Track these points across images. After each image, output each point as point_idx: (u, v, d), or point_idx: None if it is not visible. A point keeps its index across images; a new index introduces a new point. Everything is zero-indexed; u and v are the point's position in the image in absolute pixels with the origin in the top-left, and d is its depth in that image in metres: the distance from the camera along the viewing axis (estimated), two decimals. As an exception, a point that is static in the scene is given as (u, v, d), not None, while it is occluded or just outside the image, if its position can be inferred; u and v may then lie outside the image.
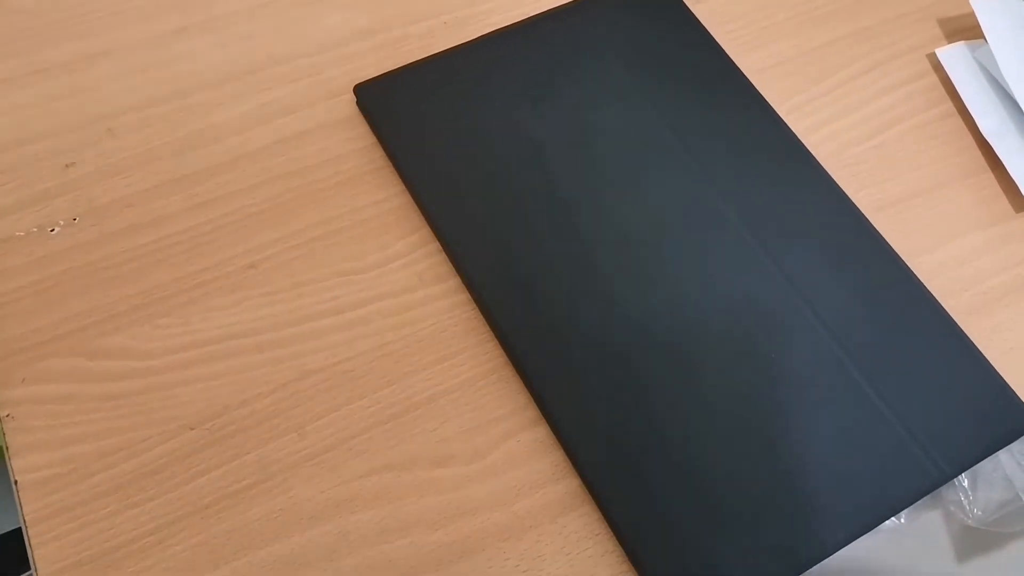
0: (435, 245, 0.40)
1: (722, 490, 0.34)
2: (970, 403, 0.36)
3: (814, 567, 0.33)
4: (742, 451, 0.35)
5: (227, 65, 0.44)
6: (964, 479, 0.36)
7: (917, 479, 0.35)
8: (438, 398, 0.36)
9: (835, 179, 0.41)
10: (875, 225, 0.40)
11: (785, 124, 0.43)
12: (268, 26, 0.46)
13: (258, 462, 0.35)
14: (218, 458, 0.35)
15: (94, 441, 0.35)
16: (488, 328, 0.38)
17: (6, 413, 0.35)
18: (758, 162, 0.42)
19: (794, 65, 0.47)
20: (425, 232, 0.40)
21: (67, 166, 0.41)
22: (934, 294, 0.39)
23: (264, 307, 0.38)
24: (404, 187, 0.41)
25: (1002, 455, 0.36)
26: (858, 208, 0.41)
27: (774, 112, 0.43)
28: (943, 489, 0.36)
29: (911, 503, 0.34)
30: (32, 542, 0.33)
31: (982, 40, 0.47)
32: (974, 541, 0.36)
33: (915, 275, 0.39)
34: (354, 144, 0.42)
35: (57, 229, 0.39)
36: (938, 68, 0.47)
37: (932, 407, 0.36)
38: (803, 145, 0.42)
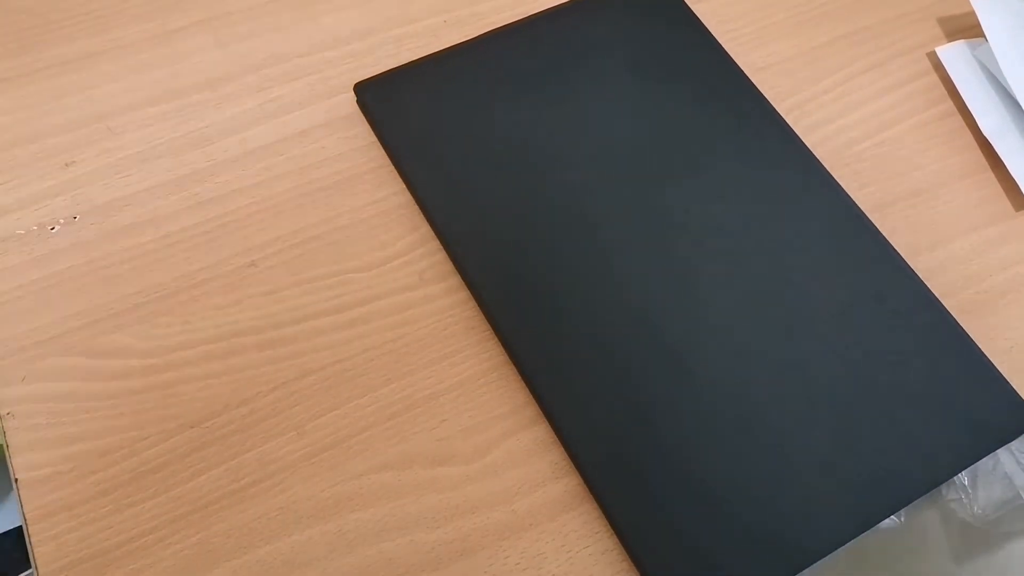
0: (435, 244, 0.40)
1: (722, 488, 0.34)
2: (970, 401, 0.36)
3: (813, 565, 0.33)
4: (742, 449, 0.35)
5: (227, 65, 0.44)
6: (964, 477, 0.36)
7: (917, 477, 0.34)
8: (438, 397, 0.36)
9: (835, 178, 0.41)
10: (875, 224, 0.40)
11: (785, 123, 0.43)
12: (268, 26, 0.46)
13: (258, 461, 0.35)
14: (218, 457, 0.35)
15: (94, 439, 0.35)
16: (488, 327, 0.38)
17: (6, 411, 0.35)
18: (758, 161, 0.42)
19: (794, 64, 0.47)
20: (425, 231, 0.40)
21: (67, 165, 0.41)
22: (935, 292, 0.39)
23: (264, 306, 0.38)
24: (404, 186, 0.41)
25: (1002, 453, 0.36)
26: (858, 207, 0.41)
27: (774, 111, 0.43)
28: (943, 487, 0.36)
29: (911, 501, 0.34)
30: (32, 540, 0.33)
31: (982, 39, 0.47)
32: (974, 540, 0.36)
33: (916, 274, 0.39)
34: (354, 143, 0.42)
35: (57, 228, 0.39)
36: (938, 67, 0.47)
37: (932, 405, 0.36)
38: (803, 144, 0.42)
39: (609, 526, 0.34)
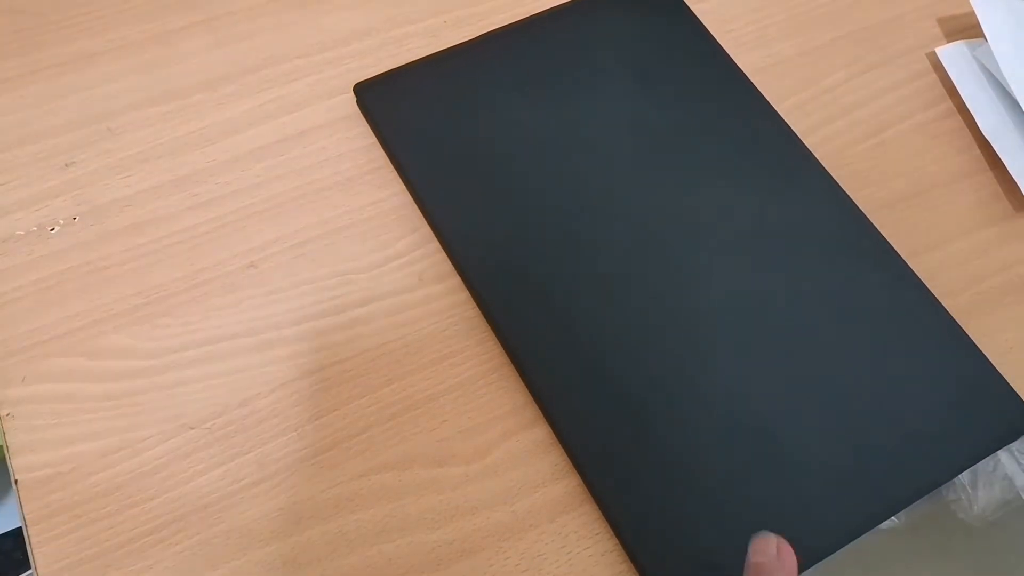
0: (435, 244, 0.40)
1: (721, 489, 0.34)
2: (970, 402, 0.36)
3: (814, 566, 0.33)
4: (741, 450, 0.35)
5: (227, 65, 0.44)
6: (964, 478, 0.36)
7: (917, 478, 0.35)
8: (438, 397, 0.36)
9: (835, 178, 0.41)
10: (875, 224, 0.40)
11: (785, 123, 0.43)
12: (268, 26, 0.46)
13: (257, 462, 0.35)
14: (218, 457, 0.35)
15: (94, 440, 0.35)
16: (488, 327, 0.38)
17: (6, 412, 0.35)
18: (758, 161, 0.42)
19: (794, 65, 0.47)
20: (425, 231, 0.40)
21: (67, 166, 0.41)
22: (934, 293, 0.39)
23: (264, 307, 0.38)
24: (404, 186, 0.41)
25: (1002, 454, 0.36)
26: (858, 207, 0.41)
27: (774, 111, 0.43)
28: (943, 488, 0.36)
29: (911, 502, 0.34)
30: (32, 541, 0.33)
31: (982, 39, 0.47)
32: (974, 540, 0.36)
33: (915, 274, 0.39)
34: (354, 144, 0.42)
35: (57, 228, 0.39)
36: (938, 67, 0.47)
37: (932, 406, 0.36)
38: (803, 144, 0.42)
39: (609, 527, 0.34)
